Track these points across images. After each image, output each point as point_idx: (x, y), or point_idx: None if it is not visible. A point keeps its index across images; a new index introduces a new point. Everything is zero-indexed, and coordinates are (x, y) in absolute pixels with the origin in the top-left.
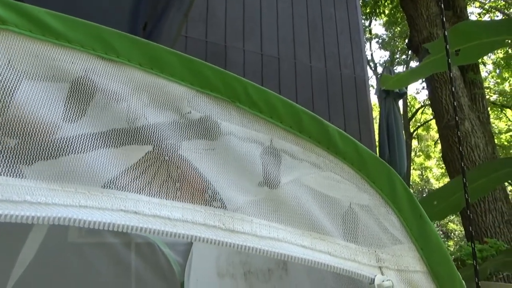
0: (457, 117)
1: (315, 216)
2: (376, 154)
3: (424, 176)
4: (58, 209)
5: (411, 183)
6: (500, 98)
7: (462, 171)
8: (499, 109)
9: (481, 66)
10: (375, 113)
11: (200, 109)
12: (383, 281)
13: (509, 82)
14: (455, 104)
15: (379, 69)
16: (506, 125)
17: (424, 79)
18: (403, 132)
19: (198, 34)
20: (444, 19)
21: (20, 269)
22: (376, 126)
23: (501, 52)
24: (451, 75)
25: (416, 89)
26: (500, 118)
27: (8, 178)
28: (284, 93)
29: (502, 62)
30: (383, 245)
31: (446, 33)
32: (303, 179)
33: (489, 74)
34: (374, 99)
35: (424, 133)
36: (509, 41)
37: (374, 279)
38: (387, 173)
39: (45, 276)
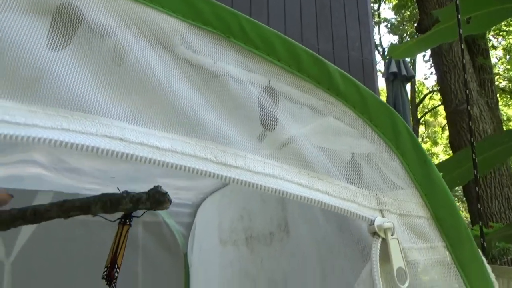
0: (467, 89)
1: (315, 156)
2: None
3: None
4: (38, 130)
5: None
6: (510, 84)
7: (471, 143)
8: (508, 96)
9: (491, 51)
10: (383, 98)
11: (194, 46)
12: (383, 223)
13: None
14: (465, 77)
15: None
16: None
17: (432, 64)
18: (410, 116)
19: None
20: None
21: (23, 239)
22: None
23: None
24: (461, 43)
25: (425, 75)
26: (509, 105)
27: None
28: None
29: None
30: (385, 190)
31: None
32: (303, 129)
33: (499, 60)
34: (382, 84)
35: (431, 119)
36: None
37: (374, 220)
38: (391, 116)
39: (51, 246)
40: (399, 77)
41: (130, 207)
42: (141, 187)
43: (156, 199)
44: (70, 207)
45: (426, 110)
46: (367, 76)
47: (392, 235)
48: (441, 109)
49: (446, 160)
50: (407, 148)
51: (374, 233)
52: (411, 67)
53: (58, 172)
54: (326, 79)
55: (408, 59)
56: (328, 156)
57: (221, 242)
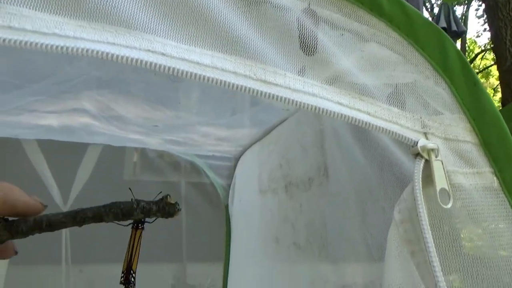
0: None
1: (357, 78)
2: None
3: None
4: (86, 43)
5: None
6: None
7: None
8: None
9: None
10: None
11: None
12: (427, 143)
13: None
14: None
15: (436, 10)
16: None
17: (486, 20)
18: None
19: None
20: None
21: (78, 189)
22: None
23: None
24: None
25: (477, 32)
26: None
27: (37, 12)
28: None
29: None
30: (430, 114)
31: None
32: (345, 57)
33: None
34: None
35: (483, 80)
36: None
37: (417, 142)
38: (438, 37)
39: (104, 192)
40: (449, 33)
41: (141, 216)
42: (182, 137)
43: (167, 211)
44: (83, 217)
45: (477, 70)
46: None
47: (436, 157)
48: (493, 69)
49: (500, 110)
50: (456, 71)
51: (417, 155)
52: (462, 23)
53: (106, 121)
54: None
55: (459, 14)
56: (371, 83)
57: (260, 191)
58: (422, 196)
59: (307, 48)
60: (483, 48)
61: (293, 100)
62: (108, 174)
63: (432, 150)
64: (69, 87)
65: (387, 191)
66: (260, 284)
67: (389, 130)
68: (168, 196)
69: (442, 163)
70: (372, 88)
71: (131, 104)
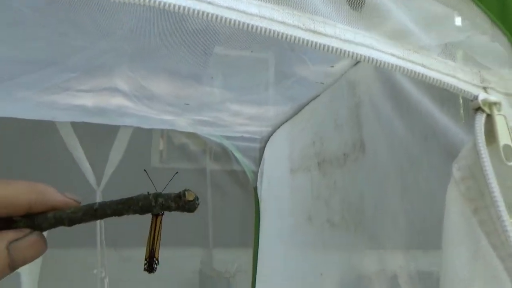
0: None
1: (410, 31)
2: None
3: None
4: None
5: None
6: None
7: None
8: None
9: None
10: None
11: None
12: (489, 97)
13: None
14: None
15: None
16: None
17: None
18: None
19: None
20: None
21: (110, 170)
22: None
23: None
24: None
25: None
26: None
27: None
28: None
29: None
30: (489, 68)
31: None
32: (393, 12)
33: None
34: None
35: None
36: None
37: (477, 96)
38: None
39: (134, 174)
40: None
41: (160, 211)
42: (213, 117)
43: (186, 208)
44: (102, 214)
45: None
46: None
47: (498, 111)
48: None
49: None
50: None
51: (477, 109)
52: None
53: (138, 100)
54: None
55: None
56: (424, 37)
57: (291, 171)
58: (486, 150)
59: (354, 2)
60: None
61: (344, 51)
62: (136, 162)
63: (494, 104)
64: (102, 62)
65: (432, 160)
66: (291, 265)
67: (446, 83)
68: (187, 192)
69: (505, 118)
70: (426, 42)
71: (162, 80)
